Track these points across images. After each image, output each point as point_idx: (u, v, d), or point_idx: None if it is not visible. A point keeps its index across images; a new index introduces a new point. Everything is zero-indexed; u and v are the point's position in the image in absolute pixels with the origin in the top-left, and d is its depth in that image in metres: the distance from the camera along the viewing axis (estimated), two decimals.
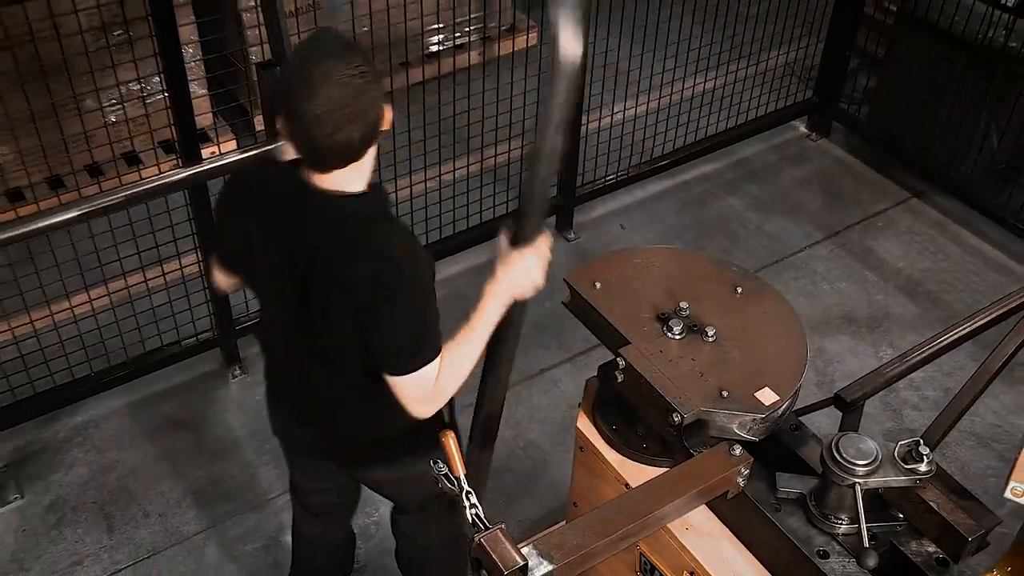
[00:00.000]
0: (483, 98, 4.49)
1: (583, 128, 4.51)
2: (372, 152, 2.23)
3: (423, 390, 2.34)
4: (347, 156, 2.16)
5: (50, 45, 3.99)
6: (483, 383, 2.52)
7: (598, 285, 2.61)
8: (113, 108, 4.60)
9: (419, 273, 2.28)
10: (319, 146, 2.12)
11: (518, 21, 5.74)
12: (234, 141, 4.97)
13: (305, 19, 4.67)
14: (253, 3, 4.34)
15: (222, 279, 2.62)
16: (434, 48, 5.51)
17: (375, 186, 2.31)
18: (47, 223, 3.37)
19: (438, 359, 2.32)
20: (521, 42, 5.54)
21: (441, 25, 5.39)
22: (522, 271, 2.32)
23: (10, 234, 3.33)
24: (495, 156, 4.70)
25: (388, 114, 2.20)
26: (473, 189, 4.55)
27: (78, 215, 3.38)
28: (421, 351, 2.30)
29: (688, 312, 2.54)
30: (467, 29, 5.58)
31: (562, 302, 2.68)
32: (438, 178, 4.47)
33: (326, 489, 2.93)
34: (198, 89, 4.51)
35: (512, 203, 4.68)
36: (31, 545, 3.62)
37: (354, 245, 2.23)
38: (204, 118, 4.46)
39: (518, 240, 2.31)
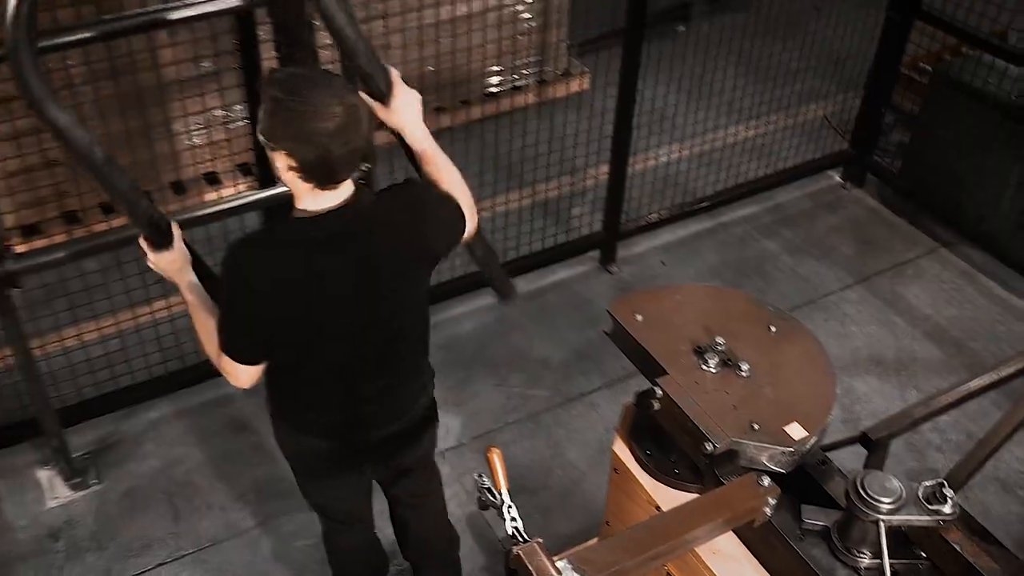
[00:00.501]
0: (537, 137, 4.50)
1: (629, 168, 4.48)
2: None
3: None
4: (357, 162, 2.24)
5: (147, 74, 4.06)
6: None
7: (639, 317, 2.58)
8: (199, 132, 4.66)
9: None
10: (337, 158, 2.17)
11: (572, 67, 5.74)
12: None
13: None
14: (329, 42, 4.38)
15: (253, 374, 2.45)
16: (493, 89, 5.52)
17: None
18: (134, 233, 3.39)
19: None
20: (574, 86, 5.54)
21: (500, 68, 5.41)
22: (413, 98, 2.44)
23: (101, 242, 3.40)
24: (546, 191, 4.70)
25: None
26: (524, 221, 4.54)
27: None
28: None
29: (724, 347, 2.50)
30: (524, 72, 5.59)
31: (604, 331, 2.66)
32: (492, 208, 4.49)
33: (363, 495, 2.91)
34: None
35: (561, 235, 4.68)
36: (107, 526, 3.65)
37: (404, 205, 2.39)
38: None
39: (383, 91, 2.38)
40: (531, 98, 5.49)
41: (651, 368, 2.49)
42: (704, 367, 2.47)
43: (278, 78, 2.22)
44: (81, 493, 3.74)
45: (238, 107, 4.49)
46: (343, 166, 2.20)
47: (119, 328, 3.97)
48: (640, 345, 2.53)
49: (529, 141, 4.47)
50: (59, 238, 4.26)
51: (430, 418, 2.78)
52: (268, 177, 3.64)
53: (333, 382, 2.52)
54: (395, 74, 2.41)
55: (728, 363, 2.48)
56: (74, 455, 3.77)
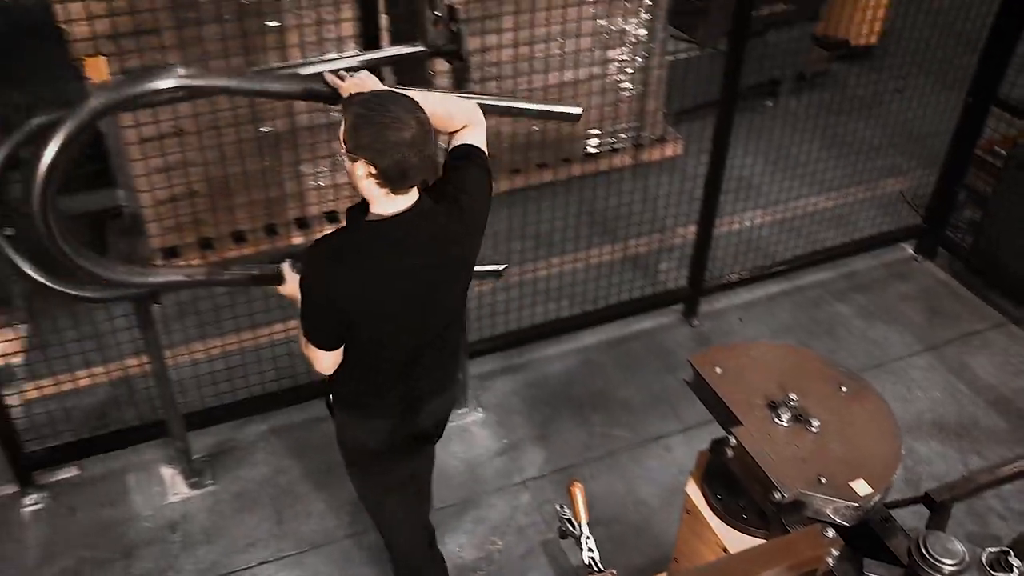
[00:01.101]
0: (631, 196, 4.50)
1: (715, 229, 4.44)
2: None
3: None
4: (431, 169, 2.37)
5: (282, 120, 4.17)
6: None
7: (719, 370, 2.55)
8: (322, 174, 4.76)
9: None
10: (413, 165, 2.29)
11: (667, 133, 5.73)
12: None
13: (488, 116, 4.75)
14: None
15: (333, 360, 2.55)
16: (593, 150, 5.54)
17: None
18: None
19: None
20: (668, 151, 5.52)
21: (600, 131, 5.43)
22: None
23: (237, 276, 3.43)
24: (636, 246, 4.69)
25: None
26: (615, 272, 4.53)
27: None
28: None
29: (796, 403, 2.45)
30: (623, 136, 5.60)
31: (684, 380, 2.63)
32: (585, 260, 4.50)
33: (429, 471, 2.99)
34: None
35: (648, 288, 4.65)
36: (218, 523, 3.71)
37: (458, 212, 2.46)
38: None
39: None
40: (627, 160, 5.49)
41: (727, 418, 2.46)
42: (777, 421, 2.42)
43: (359, 99, 2.34)
44: (198, 491, 3.82)
45: None
46: (417, 172, 2.33)
47: (241, 346, 4.06)
48: (718, 396, 2.50)
49: (624, 200, 4.48)
50: (194, 261, 4.40)
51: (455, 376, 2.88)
52: None
53: (395, 367, 2.61)
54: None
55: (800, 418, 2.43)
56: (194, 457, 3.85)
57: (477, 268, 2.94)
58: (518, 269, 4.37)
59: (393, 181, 2.31)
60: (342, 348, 2.53)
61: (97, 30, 3.37)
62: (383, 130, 2.25)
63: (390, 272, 2.40)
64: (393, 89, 2.43)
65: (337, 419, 2.76)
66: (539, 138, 4.94)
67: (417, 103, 2.32)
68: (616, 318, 4.55)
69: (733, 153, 4.27)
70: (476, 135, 2.60)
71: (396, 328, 2.51)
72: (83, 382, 3.95)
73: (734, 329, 4.65)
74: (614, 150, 5.57)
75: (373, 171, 2.29)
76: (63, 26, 3.76)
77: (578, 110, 3.22)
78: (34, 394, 3.82)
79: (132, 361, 3.90)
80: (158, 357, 3.49)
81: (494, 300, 4.32)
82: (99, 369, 3.86)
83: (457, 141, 2.59)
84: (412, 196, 2.38)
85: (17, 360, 3.95)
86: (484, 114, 2.65)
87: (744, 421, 2.41)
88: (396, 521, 2.97)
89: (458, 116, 2.61)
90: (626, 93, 5.44)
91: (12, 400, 3.66)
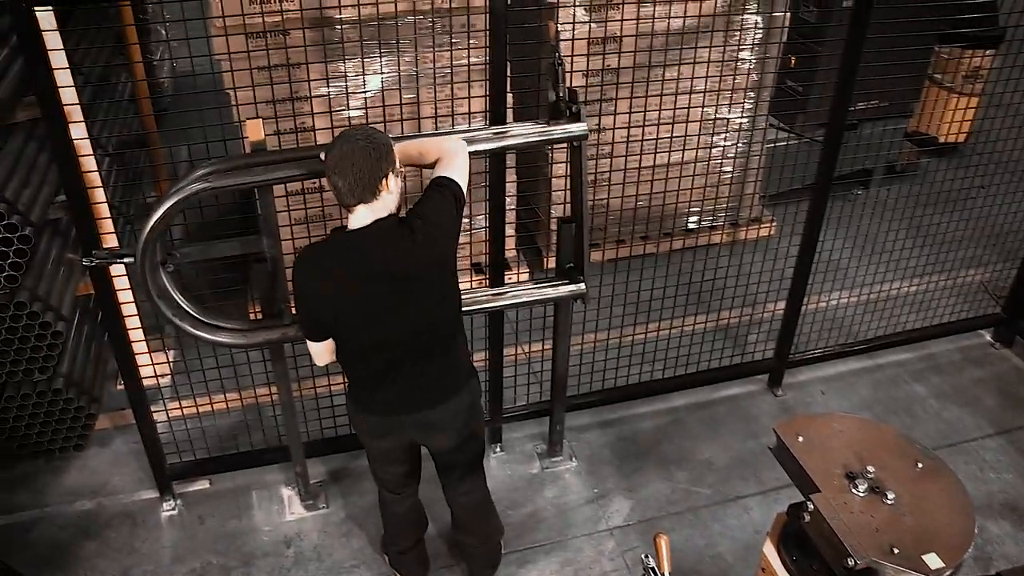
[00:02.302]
0: (726, 271, 4.50)
1: (803, 307, 4.41)
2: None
3: None
4: (366, 191, 2.62)
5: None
6: None
7: (800, 438, 2.54)
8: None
9: None
10: (345, 185, 2.60)
11: (762, 215, 5.72)
12: (528, 273, 5.16)
13: (599, 190, 4.83)
14: (562, 172, 4.55)
15: (327, 348, 2.87)
16: (692, 225, 5.56)
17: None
18: None
19: None
20: (763, 231, 5.50)
21: (700, 209, 5.45)
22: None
23: None
24: (728, 318, 4.68)
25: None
26: (706, 341, 4.53)
27: None
28: None
29: (873, 475, 2.43)
30: (720, 215, 5.61)
31: (767, 446, 2.61)
32: (680, 327, 4.51)
33: (412, 463, 3.22)
34: (508, 229, 4.72)
35: (736, 357, 4.62)
36: (328, 544, 3.80)
37: (414, 233, 2.69)
38: (509, 251, 4.65)
39: None
40: (724, 237, 5.50)
41: (806, 484, 2.44)
42: (853, 490, 2.40)
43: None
44: (312, 513, 3.93)
45: (479, 216, 4.70)
46: (350, 191, 2.59)
47: None
48: (799, 463, 2.49)
49: (719, 274, 4.48)
50: None
51: (457, 387, 2.99)
52: (498, 275, 3.80)
53: (374, 370, 2.84)
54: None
55: (876, 490, 2.40)
56: (312, 481, 3.96)
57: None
58: (617, 332, 4.39)
59: (339, 198, 2.63)
60: (328, 344, 2.83)
61: (258, 96, 3.58)
62: (326, 155, 2.62)
63: (343, 275, 2.68)
64: (361, 127, 2.70)
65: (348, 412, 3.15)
66: (644, 213, 4.98)
67: (375, 135, 2.61)
68: (705, 383, 4.54)
69: (824, 236, 4.25)
70: (447, 167, 2.82)
71: (359, 327, 2.74)
72: (219, 406, 4.11)
73: (816, 401, 4.57)
74: (712, 227, 5.59)
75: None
76: (229, 92, 4.01)
77: (582, 127, 3.30)
78: (177, 413, 3.98)
79: (263, 390, 4.04)
80: (286, 389, 3.62)
81: (593, 360, 4.35)
82: (233, 395, 4.01)
83: (433, 174, 2.83)
84: (376, 215, 2.63)
85: (165, 382, 4.13)
86: (475, 148, 3.03)
87: (822, 488, 2.39)
88: (372, 470, 3.30)
89: (430, 153, 2.90)
90: (727, 176, 5.46)
91: (159, 416, 3.83)
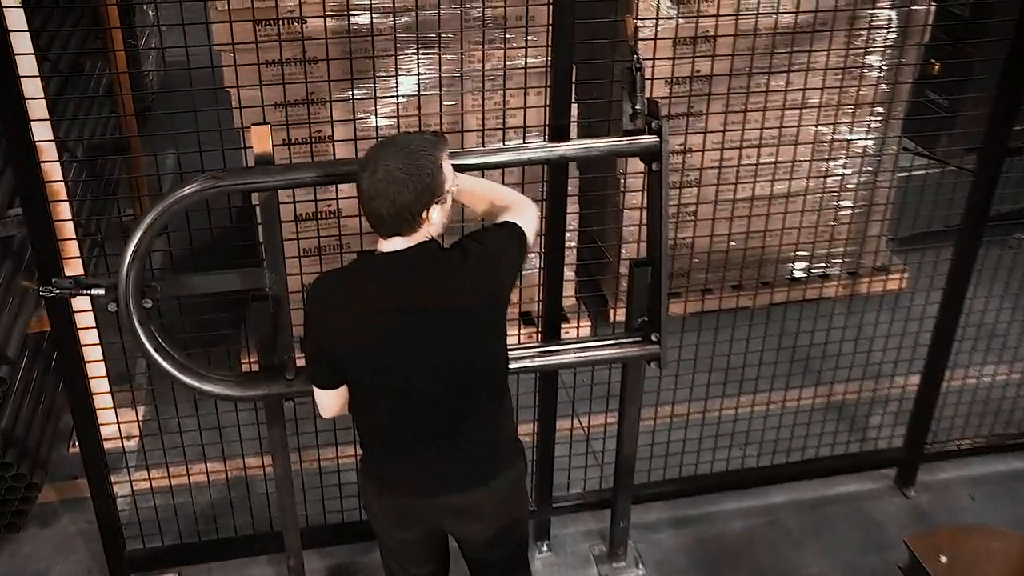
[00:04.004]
0: (842, 333, 4.42)
1: (944, 383, 4.31)
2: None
3: None
4: (406, 222, 2.64)
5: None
6: None
7: (943, 558, 2.44)
8: None
9: None
10: (386, 214, 2.60)
11: (890, 262, 5.64)
12: (590, 327, 5.13)
13: (683, 226, 4.81)
14: (636, 203, 4.52)
15: (338, 399, 2.86)
16: (798, 274, 5.51)
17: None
18: None
19: None
20: (890, 283, 5.42)
21: (809, 253, 5.39)
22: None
23: None
24: (843, 394, 4.60)
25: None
26: (815, 422, 4.45)
27: None
28: None
29: None
30: (835, 261, 5.56)
31: (897, 565, 2.52)
32: (781, 403, 4.45)
33: (439, 560, 3.16)
34: (567, 272, 4.71)
35: (854, 445, 4.53)
36: None
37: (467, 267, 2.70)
38: (567, 299, 4.63)
39: None
40: (839, 290, 5.45)
41: None
42: None
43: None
44: None
45: (531, 255, 4.67)
46: (393, 222, 2.61)
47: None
48: None
49: (832, 337, 4.42)
50: None
51: (502, 464, 2.96)
52: (553, 329, 3.76)
53: (405, 425, 2.81)
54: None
55: None
56: None
57: None
58: (700, 406, 4.33)
59: (372, 226, 2.65)
60: (339, 392, 2.83)
61: (266, 97, 3.61)
62: (360, 173, 2.61)
63: (370, 305, 2.68)
64: (414, 134, 2.77)
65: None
66: (737, 257, 4.93)
67: (419, 155, 2.59)
68: (813, 476, 4.46)
69: (972, 292, 4.16)
70: (517, 215, 2.88)
71: (385, 374, 2.72)
72: (197, 478, 4.09)
73: (962, 508, 4.45)
74: (824, 276, 5.53)
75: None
76: (230, 90, 4.05)
77: (664, 146, 3.29)
78: (144, 485, 3.98)
79: (253, 461, 4.03)
80: (283, 459, 3.60)
81: (669, 440, 4.30)
82: (216, 465, 4.02)
83: (499, 219, 2.89)
84: (415, 241, 2.67)
85: (132, 445, 4.15)
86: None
87: None
88: (386, 567, 3.23)
89: (500, 198, 2.97)
90: (845, 212, 5.40)
91: (120, 489, 3.84)
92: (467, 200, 3.01)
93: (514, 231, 2.83)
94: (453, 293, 2.69)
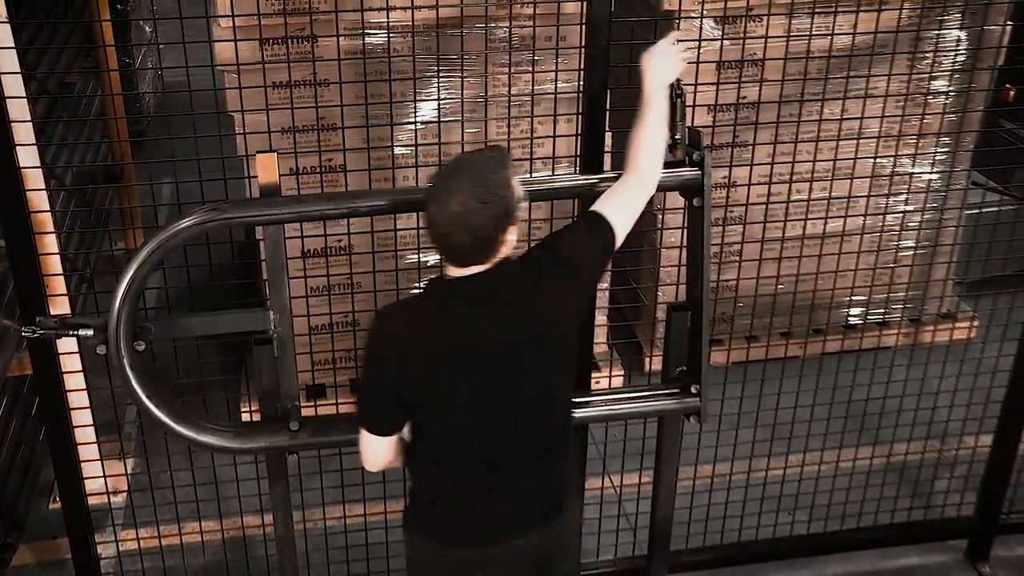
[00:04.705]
0: (903, 387, 4.39)
1: (1021, 445, 4.28)
2: None
3: None
4: (487, 251, 2.67)
5: None
6: None
7: None
8: None
9: None
10: (462, 243, 2.63)
11: (958, 309, 5.61)
12: (623, 376, 5.12)
13: (726, 267, 4.81)
14: (675, 242, 4.53)
15: (393, 448, 2.83)
16: (854, 320, 5.48)
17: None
18: None
19: None
20: (958, 333, 5.39)
21: (864, 298, 5.38)
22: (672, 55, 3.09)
23: None
24: (905, 454, 4.57)
25: None
26: (872, 485, 4.42)
27: None
28: None
29: None
30: (895, 307, 5.54)
31: None
32: (834, 464, 4.41)
33: None
34: (598, 316, 4.71)
35: (917, 512, 4.48)
36: None
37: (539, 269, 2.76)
38: (599, 345, 4.63)
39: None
40: (900, 338, 5.42)
41: None
42: None
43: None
44: None
45: None
46: (472, 250, 2.63)
47: (388, 516, 4.11)
48: None
49: (892, 391, 4.38)
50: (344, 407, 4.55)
51: (567, 504, 2.97)
52: (583, 380, 3.76)
53: (475, 468, 2.80)
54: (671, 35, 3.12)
55: None
56: None
57: None
58: (743, 466, 4.32)
59: (447, 256, 2.66)
60: (395, 440, 2.81)
61: (273, 122, 3.63)
62: (430, 204, 2.62)
63: (451, 339, 2.68)
64: (476, 154, 2.78)
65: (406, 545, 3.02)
66: (786, 302, 4.92)
67: (490, 180, 2.61)
68: (871, 546, 4.42)
69: None
70: (613, 197, 2.96)
71: (461, 414, 2.72)
72: (190, 538, 4.10)
73: None
74: (883, 324, 5.51)
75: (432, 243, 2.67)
76: (233, 115, 4.09)
77: (706, 179, 3.33)
78: (131, 545, 3.98)
79: (252, 519, 4.04)
80: (285, 519, 3.59)
81: (709, 502, 4.27)
82: (212, 524, 4.01)
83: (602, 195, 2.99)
84: (490, 262, 2.68)
85: (119, 501, 4.15)
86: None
87: None
88: None
89: (642, 157, 3.03)
90: (906, 253, 5.39)
91: (106, 549, 3.83)
92: (639, 125, 3.04)
93: (597, 225, 2.87)
94: (531, 320, 2.72)
